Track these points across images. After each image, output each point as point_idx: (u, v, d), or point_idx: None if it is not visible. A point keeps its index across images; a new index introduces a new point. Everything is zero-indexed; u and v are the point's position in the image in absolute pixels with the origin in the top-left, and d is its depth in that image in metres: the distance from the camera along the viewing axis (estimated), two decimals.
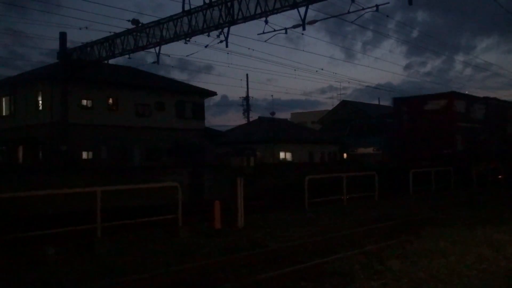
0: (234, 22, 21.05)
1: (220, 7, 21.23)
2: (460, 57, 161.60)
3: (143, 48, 24.83)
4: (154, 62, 24.97)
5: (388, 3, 19.25)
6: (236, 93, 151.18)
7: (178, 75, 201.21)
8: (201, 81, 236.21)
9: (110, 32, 25.92)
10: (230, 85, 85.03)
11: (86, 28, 27.09)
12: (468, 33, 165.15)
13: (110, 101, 34.87)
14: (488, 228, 10.56)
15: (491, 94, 67.62)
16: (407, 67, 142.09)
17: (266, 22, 20.67)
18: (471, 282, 6.59)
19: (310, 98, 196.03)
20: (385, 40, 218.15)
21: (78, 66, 28.48)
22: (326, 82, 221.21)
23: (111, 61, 30.00)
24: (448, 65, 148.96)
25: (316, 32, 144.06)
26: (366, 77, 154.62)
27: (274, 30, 21.19)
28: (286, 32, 21.33)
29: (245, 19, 20.68)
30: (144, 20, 27.84)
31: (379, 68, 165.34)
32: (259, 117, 56.63)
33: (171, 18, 23.27)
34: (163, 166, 30.65)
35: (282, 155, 47.08)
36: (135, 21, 24.34)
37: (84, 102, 33.21)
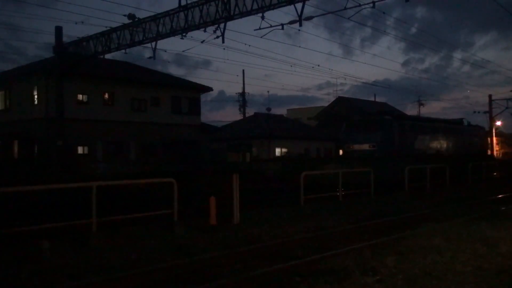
0: (230, 17, 21.00)
1: (216, 2, 21.17)
2: (458, 54, 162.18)
3: (140, 43, 24.75)
4: (150, 57, 24.93)
5: None
6: (233, 88, 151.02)
7: (175, 71, 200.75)
8: (198, 77, 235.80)
9: (106, 27, 25.85)
10: (227, 80, 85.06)
11: (82, 22, 27.18)
12: (467, 30, 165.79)
13: (106, 96, 34.76)
14: (483, 224, 10.62)
15: (488, 91, 67.97)
16: (405, 63, 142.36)
17: (263, 17, 20.62)
18: (466, 278, 6.62)
19: (307, 94, 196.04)
20: (383, 37, 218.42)
21: (74, 61, 28.37)
22: (323, 78, 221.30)
23: (108, 56, 29.89)
24: (446, 62, 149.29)
25: (315, 28, 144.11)
26: (363, 74, 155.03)
27: (271, 26, 21.15)
28: (282, 28, 21.31)
29: (242, 14, 20.63)
30: (141, 15, 27.80)
31: (377, 64, 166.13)
32: (255, 113, 56.59)
33: (167, 13, 23.20)
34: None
35: (278, 151, 47.10)
36: (131, 16, 24.25)
37: (80, 96, 33.09)
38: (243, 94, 60.62)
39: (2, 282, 6.92)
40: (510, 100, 57.02)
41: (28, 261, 7.81)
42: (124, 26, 24.96)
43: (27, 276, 7.03)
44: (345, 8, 19.76)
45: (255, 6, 20.08)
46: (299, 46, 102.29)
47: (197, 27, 22.25)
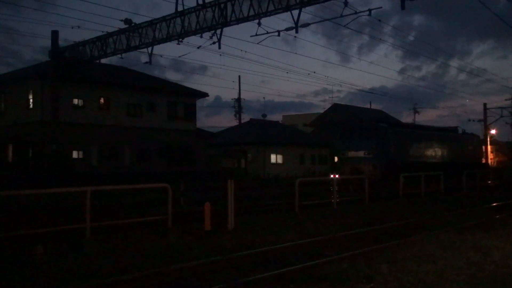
0: (227, 23, 21.06)
1: (213, 8, 21.24)
2: (454, 63, 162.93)
3: (136, 48, 24.78)
4: (146, 62, 24.95)
5: (380, 7, 19.41)
6: (229, 94, 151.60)
7: (172, 76, 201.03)
8: (195, 82, 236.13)
9: (102, 32, 25.87)
10: (223, 86, 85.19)
11: (79, 27, 27.00)
12: (464, 38, 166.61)
13: (102, 100, 34.74)
14: (476, 232, 10.63)
15: (484, 100, 68.68)
16: (401, 71, 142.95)
17: (259, 24, 20.70)
18: (459, 286, 6.62)
19: (303, 101, 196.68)
20: (380, 44, 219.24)
21: (70, 65, 28.35)
22: (319, 85, 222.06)
23: (104, 61, 29.92)
24: (443, 70, 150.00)
25: (313, 34, 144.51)
26: (360, 81, 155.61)
27: (267, 32, 21.22)
28: (279, 35, 21.39)
29: (238, 20, 20.69)
30: (139, 20, 27.83)
31: (374, 71, 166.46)
32: (251, 119, 56.72)
33: (164, 19, 23.25)
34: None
35: (273, 157, 47.15)
36: (127, 21, 24.29)
37: (75, 101, 33.06)
38: (238, 100, 60.76)
39: None
40: (504, 109, 57.45)
41: (21, 266, 7.77)
42: (120, 31, 25.00)
43: (20, 281, 6.99)
44: (342, 16, 19.84)
45: (251, 13, 20.15)
46: (295, 53, 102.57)
47: (193, 33, 22.31)
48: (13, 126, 33.02)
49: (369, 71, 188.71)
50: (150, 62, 24.72)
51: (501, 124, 60.74)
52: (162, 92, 38.55)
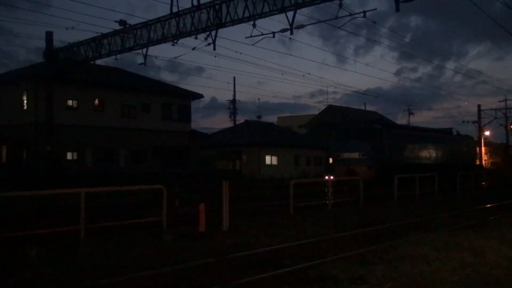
0: (222, 25, 21.06)
1: (208, 9, 21.23)
2: (450, 64, 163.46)
3: (130, 49, 24.73)
4: (141, 64, 24.91)
5: (375, 9, 19.45)
6: (225, 95, 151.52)
7: (167, 77, 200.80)
8: (190, 83, 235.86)
9: (97, 33, 25.81)
10: (218, 87, 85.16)
11: (73, 28, 26.90)
12: (460, 39, 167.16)
13: (96, 101, 34.65)
14: (470, 233, 10.67)
15: (479, 101, 68.95)
16: (397, 73, 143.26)
17: (254, 25, 20.71)
18: (454, 287, 6.64)
19: (299, 102, 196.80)
20: (376, 46, 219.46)
21: (64, 66, 28.27)
22: (314, 86, 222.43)
23: (99, 62, 29.85)
24: (439, 72, 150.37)
25: (309, 36, 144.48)
26: (356, 82, 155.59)
27: (262, 34, 21.24)
28: (273, 36, 21.43)
29: (233, 22, 20.70)
30: (133, 21, 27.79)
31: (370, 73, 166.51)
32: (246, 120, 56.71)
33: (158, 20, 23.22)
34: None
35: (268, 159, 47.15)
36: (122, 22, 24.24)
37: (70, 102, 32.95)
38: (233, 101, 60.75)
39: None
40: (498, 110, 57.69)
41: (15, 269, 7.73)
42: (115, 32, 24.94)
43: (14, 284, 6.96)
44: (337, 17, 19.87)
45: (246, 14, 20.15)
46: (290, 54, 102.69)
47: (188, 34, 22.29)
48: (7, 127, 32.87)
49: (364, 72, 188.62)
50: (145, 63, 24.70)
51: (495, 125, 61.11)
52: (157, 93, 38.50)
